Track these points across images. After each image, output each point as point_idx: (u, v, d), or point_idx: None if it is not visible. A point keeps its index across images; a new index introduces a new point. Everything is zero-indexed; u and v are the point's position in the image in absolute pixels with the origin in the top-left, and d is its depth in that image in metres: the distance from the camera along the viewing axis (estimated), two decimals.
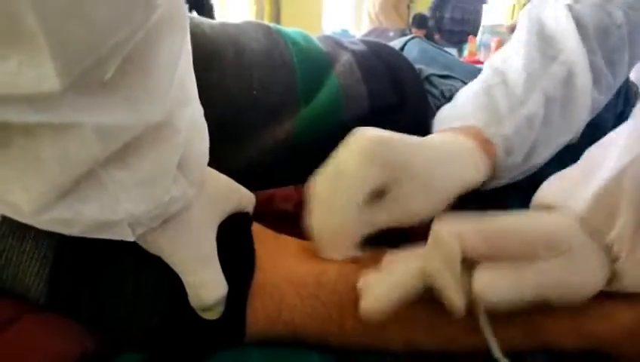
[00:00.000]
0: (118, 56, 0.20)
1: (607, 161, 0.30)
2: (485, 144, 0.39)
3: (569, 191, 0.31)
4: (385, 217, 0.33)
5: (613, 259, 0.28)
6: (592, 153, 0.33)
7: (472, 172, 0.37)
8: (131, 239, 0.26)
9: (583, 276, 0.28)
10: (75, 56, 0.18)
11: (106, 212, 0.24)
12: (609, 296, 0.30)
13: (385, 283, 0.28)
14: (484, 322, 0.27)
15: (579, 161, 0.34)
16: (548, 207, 0.32)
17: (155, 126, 0.23)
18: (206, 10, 2.24)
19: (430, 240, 0.28)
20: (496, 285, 0.25)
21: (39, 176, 0.21)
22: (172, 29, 0.23)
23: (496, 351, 0.27)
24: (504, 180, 0.42)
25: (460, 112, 0.44)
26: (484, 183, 0.40)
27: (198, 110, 0.29)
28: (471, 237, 0.26)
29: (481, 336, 0.28)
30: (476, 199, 0.40)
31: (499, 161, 0.40)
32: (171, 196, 0.26)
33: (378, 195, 0.33)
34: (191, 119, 0.27)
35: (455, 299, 0.26)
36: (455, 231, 0.27)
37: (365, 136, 0.33)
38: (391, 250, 0.33)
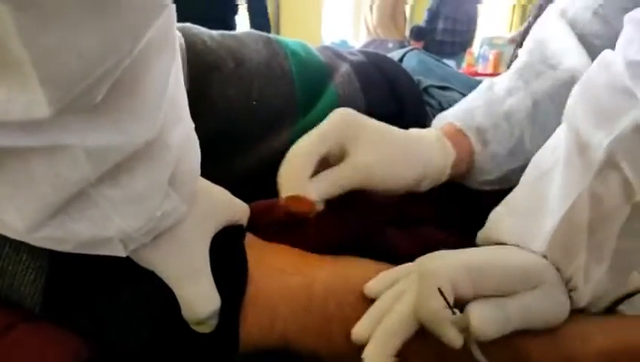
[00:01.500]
0: (108, 82, 0.20)
1: (551, 192, 0.33)
2: (456, 134, 0.42)
3: (525, 230, 0.33)
4: (346, 174, 0.35)
5: (572, 290, 0.31)
6: (534, 182, 0.35)
7: (437, 154, 0.39)
8: (123, 255, 0.26)
9: (560, 304, 0.31)
10: (65, 84, 0.18)
11: (98, 229, 0.24)
12: (589, 318, 0.33)
13: (382, 335, 0.29)
14: (477, 352, 0.28)
15: (521, 190, 0.36)
16: (506, 245, 0.34)
17: (147, 144, 0.24)
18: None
19: (422, 278, 0.29)
20: (489, 321, 0.28)
21: (31, 196, 0.21)
22: (161, 51, 0.23)
23: None
24: (493, 173, 0.43)
25: (441, 115, 0.46)
26: (469, 174, 0.42)
27: (189, 126, 0.29)
28: (460, 277, 0.28)
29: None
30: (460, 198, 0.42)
31: (477, 150, 0.42)
32: (163, 212, 0.26)
33: (340, 158, 0.36)
34: (182, 136, 0.27)
35: (454, 338, 0.27)
36: (445, 274, 0.28)
37: (339, 110, 0.37)
38: (375, 263, 0.35)
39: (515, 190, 0.37)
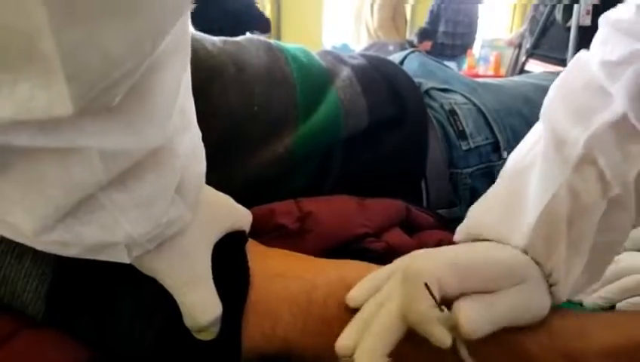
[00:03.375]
0: (127, 83, 0.20)
1: (529, 187, 0.33)
2: None
3: (504, 225, 0.33)
4: None
5: (552, 284, 0.32)
6: (513, 177, 0.35)
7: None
8: (127, 261, 0.26)
9: (542, 299, 0.31)
10: (89, 81, 0.18)
11: (106, 234, 0.24)
12: (587, 316, 0.33)
13: (371, 339, 0.28)
14: (464, 352, 0.28)
15: (500, 185, 0.36)
16: (486, 240, 0.34)
17: (156, 150, 0.24)
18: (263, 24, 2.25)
19: (406, 279, 0.28)
20: (477, 319, 0.27)
21: (42, 198, 0.21)
22: (175, 56, 0.23)
23: None
24: None
25: None
26: None
27: (197, 134, 0.29)
28: (445, 276, 0.28)
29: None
30: None
31: None
32: (169, 218, 0.26)
33: None
34: (189, 143, 0.27)
35: (442, 338, 0.27)
36: (430, 274, 0.28)
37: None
38: (374, 266, 0.34)
39: (494, 186, 0.36)
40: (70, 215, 0.22)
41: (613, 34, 0.31)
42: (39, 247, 0.24)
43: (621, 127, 0.30)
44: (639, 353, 0.29)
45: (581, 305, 0.43)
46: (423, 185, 0.52)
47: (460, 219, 0.37)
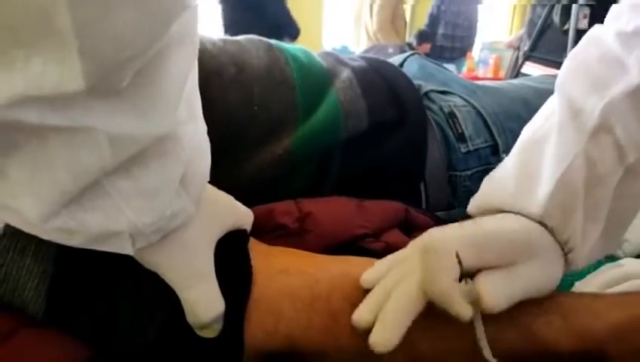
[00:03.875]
0: (136, 64, 0.20)
1: (545, 158, 0.33)
2: None
3: (520, 194, 0.33)
4: None
5: (568, 252, 0.32)
6: (528, 149, 0.35)
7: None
8: (131, 253, 0.26)
9: (553, 272, 0.31)
10: (101, 57, 0.18)
11: (109, 221, 0.24)
12: (598, 296, 0.33)
13: (391, 312, 0.28)
14: (479, 327, 0.28)
15: (514, 158, 0.35)
16: (500, 211, 0.34)
17: (161, 138, 0.24)
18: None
19: (427, 254, 0.29)
20: (498, 294, 0.27)
21: (49, 181, 0.21)
22: (183, 45, 0.23)
23: (488, 353, 0.28)
24: None
25: None
26: None
27: (202, 128, 0.29)
28: (465, 250, 0.28)
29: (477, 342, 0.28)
30: None
31: None
32: (172, 211, 0.26)
33: None
34: (195, 136, 0.27)
35: (463, 311, 0.27)
36: (450, 248, 0.28)
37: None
38: (377, 261, 0.34)
39: (508, 158, 0.37)
40: (75, 201, 0.22)
41: (628, 7, 0.32)
42: (44, 236, 0.23)
43: (637, 97, 0.31)
44: None
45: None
46: (422, 187, 0.52)
47: (458, 221, 0.37)
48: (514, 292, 0.28)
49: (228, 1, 2.14)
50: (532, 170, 0.34)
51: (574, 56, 0.34)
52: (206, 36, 0.46)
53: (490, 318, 0.28)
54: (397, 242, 0.40)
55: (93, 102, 0.20)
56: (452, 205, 0.53)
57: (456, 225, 0.31)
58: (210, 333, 0.30)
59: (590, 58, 0.33)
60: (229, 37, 0.48)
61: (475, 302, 0.27)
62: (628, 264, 0.45)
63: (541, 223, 0.32)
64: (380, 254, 0.37)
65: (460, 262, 0.27)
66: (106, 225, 0.24)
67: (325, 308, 0.31)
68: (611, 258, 0.51)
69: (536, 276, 0.30)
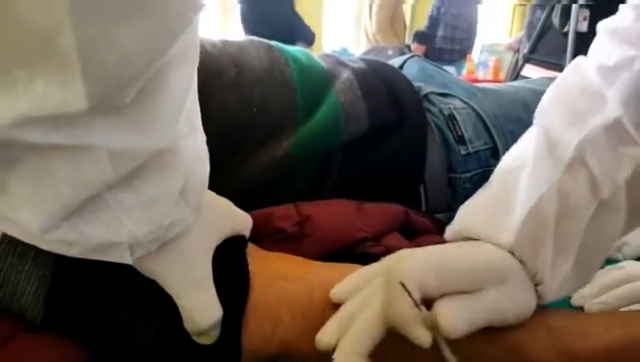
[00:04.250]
0: (139, 82, 0.20)
1: (519, 188, 0.33)
2: None
3: (492, 224, 0.33)
4: None
5: (537, 284, 0.31)
6: (504, 178, 0.35)
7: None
8: (129, 262, 0.26)
9: (523, 300, 0.31)
10: (104, 78, 0.18)
11: (109, 233, 0.24)
12: (586, 315, 0.33)
13: (351, 338, 0.28)
14: (446, 351, 0.28)
15: (491, 186, 0.36)
16: (475, 240, 0.34)
17: (161, 152, 0.24)
18: None
19: (389, 278, 0.28)
20: (456, 318, 0.27)
21: (51, 194, 0.21)
22: (185, 62, 0.23)
23: None
24: None
25: None
26: None
27: (201, 138, 0.30)
28: (427, 277, 0.28)
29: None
30: None
31: None
32: (171, 220, 0.26)
33: None
34: (194, 147, 0.28)
35: (422, 337, 0.27)
36: (412, 274, 0.28)
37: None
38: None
39: (484, 187, 0.37)
40: (76, 213, 0.23)
41: (611, 40, 0.32)
42: (43, 246, 0.24)
43: (614, 131, 0.31)
44: (638, 352, 0.29)
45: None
46: (421, 189, 0.52)
47: None
48: (474, 318, 0.28)
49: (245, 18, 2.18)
50: (505, 200, 0.33)
51: (557, 86, 0.34)
52: (206, 38, 0.46)
53: (475, 334, 0.28)
54: (397, 246, 0.40)
55: (94, 120, 0.20)
56: (452, 207, 0.53)
57: (424, 249, 0.31)
58: (207, 340, 0.30)
59: (571, 89, 0.33)
60: (229, 39, 0.48)
61: (435, 327, 0.27)
62: (629, 266, 0.45)
63: (512, 254, 0.32)
64: (380, 258, 0.37)
65: (420, 289, 0.27)
66: (105, 236, 0.24)
67: (322, 315, 0.31)
68: (611, 261, 0.51)
69: (501, 303, 0.29)
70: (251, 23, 2.26)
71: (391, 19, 2.80)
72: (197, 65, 0.26)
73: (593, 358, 0.30)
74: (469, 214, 0.36)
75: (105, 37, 0.17)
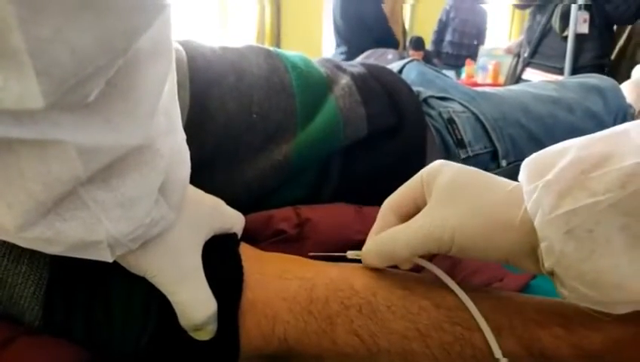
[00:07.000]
0: (101, 80, 0.20)
1: None
2: None
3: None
4: None
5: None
6: None
7: None
8: (109, 260, 0.26)
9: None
10: (59, 76, 0.18)
11: (87, 232, 0.24)
12: None
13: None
14: (483, 324, 0.28)
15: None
16: None
17: (139, 149, 0.24)
18: None
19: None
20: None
21: (22, 193, 0.21)
22: (157, 58, 0.23)
23: (497, 351, 0.28)
24: None
25: None
26: None
27: (181, 137, 0.30)
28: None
29: (479, 337, 0.29)
30: None
31: None
32: (152, 218, 0.26)
33: None
34: (174, 146, 0.28)
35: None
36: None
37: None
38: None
39: None
40: (52, 211, 0.22)
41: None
42: (22, 244, 0.24)
43: None
44: None
45: None
46: None
47: None
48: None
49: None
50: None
51: None
52: (205, 44, 0.47)
53: (489, 328, 0.28)
54: None
55: (59, 116, 0.20)
56: None
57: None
58: (204, 335, 0.29)
59: None
60: (228, 45, 0.48)
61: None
62: None
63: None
64: None
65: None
66: (84, 235, 0.24)
67: (322, 312, 0.31)
68: None
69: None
70: (348, 34, 2.39)
71: (390, 23, 2.81)
72: (173, 59, 0.26)
73: (603, 352, 0.29)
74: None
75: (56, 36, 0.17)
